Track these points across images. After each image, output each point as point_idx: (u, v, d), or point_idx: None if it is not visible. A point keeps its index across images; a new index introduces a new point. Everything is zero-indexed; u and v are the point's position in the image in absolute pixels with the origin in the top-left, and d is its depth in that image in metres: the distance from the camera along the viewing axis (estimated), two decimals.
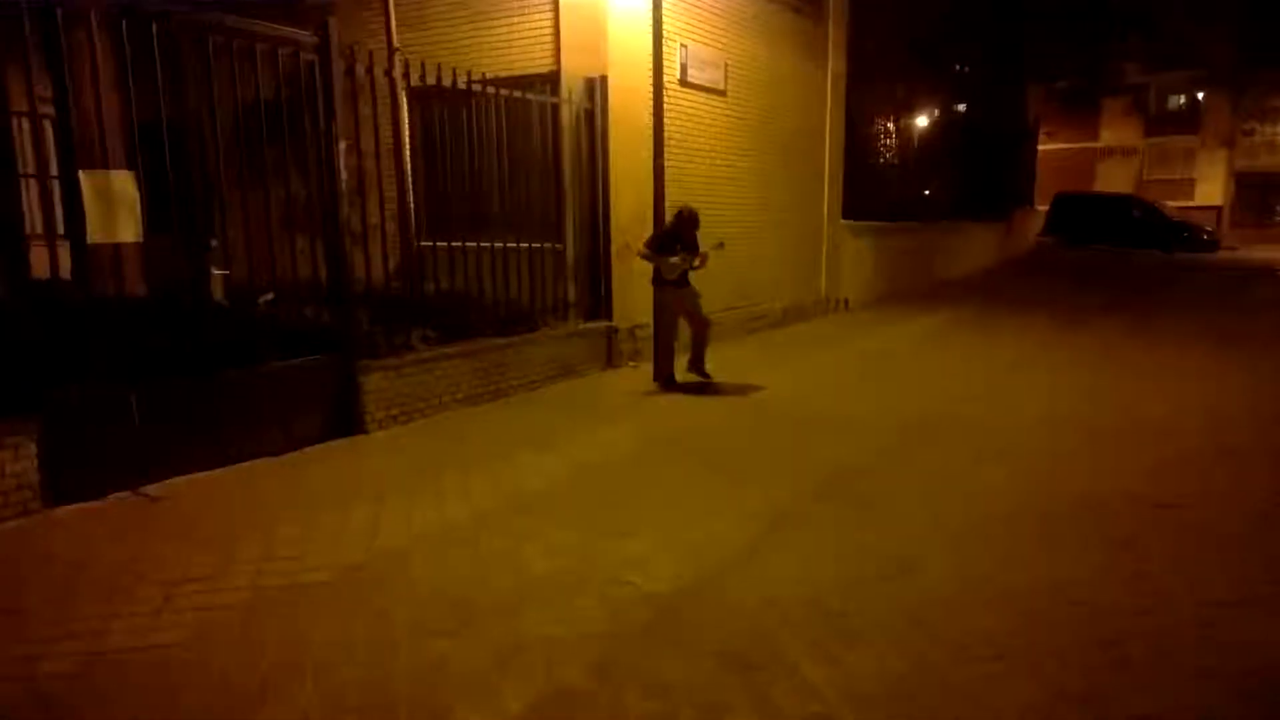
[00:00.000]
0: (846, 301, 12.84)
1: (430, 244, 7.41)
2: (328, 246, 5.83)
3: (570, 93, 7.79)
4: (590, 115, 7.94)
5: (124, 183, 4.91)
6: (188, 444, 5.00)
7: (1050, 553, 3.90)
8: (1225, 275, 18.40)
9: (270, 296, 5.99)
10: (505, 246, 7.34)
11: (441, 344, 6.62)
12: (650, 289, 7.94)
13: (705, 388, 7.34)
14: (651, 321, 8.15)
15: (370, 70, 6.02)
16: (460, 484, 4.88)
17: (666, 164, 8.01)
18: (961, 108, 19.04)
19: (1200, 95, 34.39)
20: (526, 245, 7.55)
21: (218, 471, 5.04)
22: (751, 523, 4.27)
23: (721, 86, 9.56)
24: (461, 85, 6.75)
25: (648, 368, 8.05)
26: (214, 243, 5.95)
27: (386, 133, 7.64)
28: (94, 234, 4.66)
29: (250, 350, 5.39)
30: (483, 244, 7.18)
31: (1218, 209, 33.26)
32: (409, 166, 8.17)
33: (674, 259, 7.09)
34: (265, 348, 5.47)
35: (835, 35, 11.94)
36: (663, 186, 7.58)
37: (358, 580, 3.63)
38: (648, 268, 8.27)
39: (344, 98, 5.80)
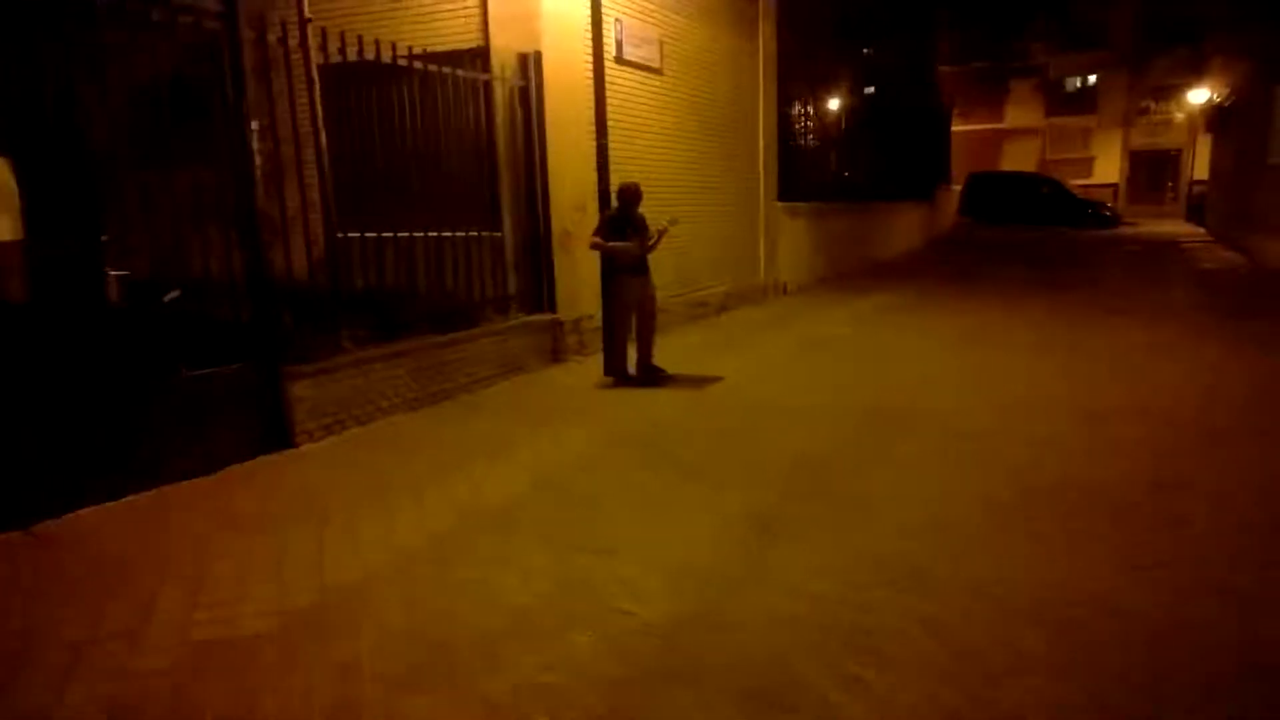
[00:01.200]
0: (785, 285, 12.65)
1: (356, 235, 6.77)
2: (243, 238, 5.19)
3: (504, 69, 7.26)
4: (525, 93, 7.42)
5: None
6: (89, 472, 4.34)
7: (1051, 550, 3.65)
8: (1134, 250, 19.01)
9: (176, 294, 5.34)
10: (438, 236, 6.77)
11: (375, 343, 6.06)
12: (595, 277, 7.53)
13: (659, 380, 6.95)
14: (598, 313, 7.74)
15: (284, 41, 5.39)
16: (411, 502, 4.37)
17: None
18: (874, 90, 19.08)
19: (1093, 78, 35.77)
20: (461, 234, 6.99)
21: (127, 501, 4.40)
22: (740, 531, 3.90)
23: (658, 64, 9.15)
24: (386, 59, 6.15)
25: (594, 362, 7.62)
26: (104, 237, 5.26)
27: (300, 113, 6.95)
28: None
29: (158, 359, 4.76)
30: (414, 234, 6.61)
31: (1114, 186, 34.71)
32: (325, 149, 7.48)
33: (628, 244, 6.66)
34: (175, 355, 4.84)
35: (766, 12, 11.65)
36: (607, 169, 7.13)
37: (309, 627, 3.11)
38: (591, 255, 7.84)
39: (254, 73, 5.18)
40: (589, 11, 7.49)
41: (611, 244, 6.64)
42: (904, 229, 19.94)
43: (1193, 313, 10.18)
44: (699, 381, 6.98)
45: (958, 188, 27.99)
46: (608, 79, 7.83)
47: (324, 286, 6.08)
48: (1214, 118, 21.10)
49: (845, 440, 5.31)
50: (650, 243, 6.79)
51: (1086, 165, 35.66)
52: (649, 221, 6.88)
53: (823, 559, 3.58)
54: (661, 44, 9.20)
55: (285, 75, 5.43)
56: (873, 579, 3.38)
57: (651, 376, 6.97)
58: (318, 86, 5.80)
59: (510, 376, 7.17)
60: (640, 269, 6.82)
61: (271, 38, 5.30)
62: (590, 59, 7.82)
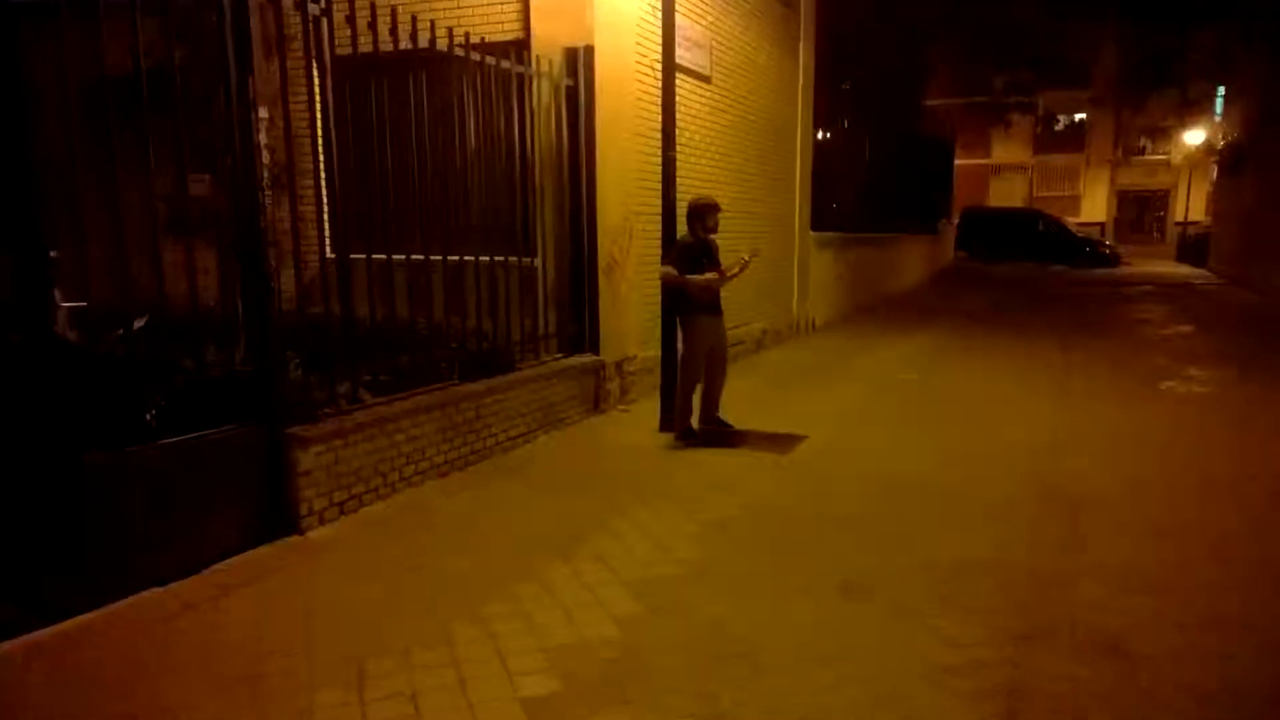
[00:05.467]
0: (814, 321, 11.59)
1: (362, 257, 5.48)
2: (243, 261, 3.95)
3: (550, 65, 6.10)
4: (572, 94, 6.26)
5: None
6: (29, 583, 3.05)
7: None
8: (1149, 291, 18.28)
9: (143, 322, 4.05)
10: (460, 260, 5.51)
11: (397, 393, 4.82)
12: (640, 312, 6.47)
13: (730, 440, 5.78)
14: (641, 354, 6.69)
15: (301, 5, 4.18)
16: (478, 635, 3.13)
17: (650, 160, 6.42)
18: (882, 119, 18.36)
19: (1079, 117, 35.77)
20: (488, 259, 5.77)
21: (84, 621, 3.12)
22: (977, 701, 2.71)
23: (708, 71, 8.07)
24: (424, 44, 4.96)
25: (641, 411, 6.54)
26: (54, 253, 4.03)
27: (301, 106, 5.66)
28: None
29: (124, 421, 3.49)
30: (446, 258, 5.38)
31: (1101, 224, 34.51)
32: (321, 152, 6.19)
33: (709, 277, 5.51)
34: (146, 416, 3.57)
35: (806, 23, 10.67)
36: (673, 187, 5.97)
37: None
38: (641, 287, 6.75)
39: (263, 46, 3.97)
40: (648, 1, 6.42)
41: (691, 277, 5.46)
42: (913, 263, 19.09)
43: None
44: (779, 441, 5.81)
45: (956, 221, 27.37)
46: (658, 84, 6.68)
47: (332, 323, 4.82)
48: (1225, 157, 20.63)
49: (1025, 536, 4.12)
50: (731, 274, 5.66)
51: (1074, 203, 35.47)
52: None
53: None
54: (711, 49, 8.13)
55: (306, 49, 4.22)
56: None
57: (720, 435, 5.80)
58: (329, 71, 4.59)
59: (547, 430, 5.97)
60: (715, 308, 5.67)
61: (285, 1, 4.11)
62: (643, 57, 6.76)
